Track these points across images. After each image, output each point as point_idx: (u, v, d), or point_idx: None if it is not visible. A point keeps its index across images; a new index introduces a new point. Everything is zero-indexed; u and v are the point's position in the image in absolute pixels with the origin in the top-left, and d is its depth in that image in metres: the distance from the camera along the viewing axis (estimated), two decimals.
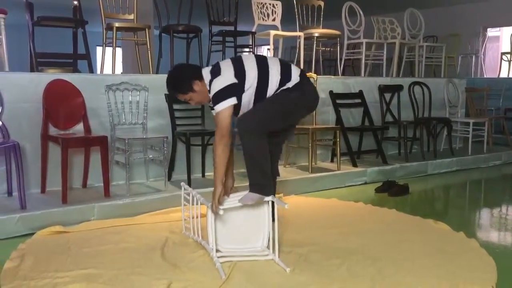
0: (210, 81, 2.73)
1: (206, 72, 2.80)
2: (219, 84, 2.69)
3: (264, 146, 2.76)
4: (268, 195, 2.78)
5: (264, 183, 2.77)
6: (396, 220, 3.62)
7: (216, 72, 2.75)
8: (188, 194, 3.03)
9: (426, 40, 7.89)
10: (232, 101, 2.68)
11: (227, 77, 2.71)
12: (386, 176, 5.05)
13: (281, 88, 2.80)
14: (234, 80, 2.70)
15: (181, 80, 2.75)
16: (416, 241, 3.10)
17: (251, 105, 2.80)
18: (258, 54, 2.96)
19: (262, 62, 2.79)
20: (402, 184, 4.61)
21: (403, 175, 5.22)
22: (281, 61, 2.89)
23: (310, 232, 3.25)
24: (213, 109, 2.78)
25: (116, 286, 2.40)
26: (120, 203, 3.65)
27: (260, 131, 2.73)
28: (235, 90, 2.71)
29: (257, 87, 2.75)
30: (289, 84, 2.79)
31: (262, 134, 2.75)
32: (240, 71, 2.74)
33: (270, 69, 2.78)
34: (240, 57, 2.84)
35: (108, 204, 3.60)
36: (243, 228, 2.84)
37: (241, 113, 2.85)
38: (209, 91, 2.75)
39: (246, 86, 2.74)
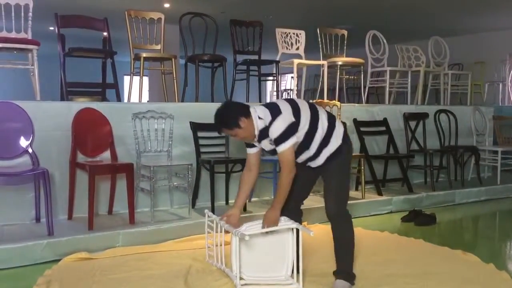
0: (271, 122, 2.75)
1: (260, 110, 2.81)
2: (282, 123, 2.72)
3: (353, 229, 2.84)
4: (353, 284, 2.80)
5: (351, 272, 2.82)
6: (423, 251, 3.54)
7: (276, 112, 2.76)
8: (212, 222, 3.04)
9: (451, 68, 7.84)
10: (293, 140, 2.73)
11: (288, 117, 2.75)
12: (412, 205, 4.97)
13: (330, 141, 2.83)
14: (293, 119, 2.75)
15: (228, 116, 2.80)
16: (444, 273, 3.02)
17: (295, 147, 2.81)
18: (310, 101, 3.04)
19: (313, 108, 2.86)
20: (429, 213, 4.53)
21: (430, 204, 5.12)
22: (327, 112, 2.98)
23: (334, 262, 3.19)
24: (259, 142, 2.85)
25: None
26: (144, 230, 3.68)
27: (346, 208, 2.84)
28: (295, 128, 2.76)
29: (307, 131, 2.79)
30: (337, 134, 2.84)
31: (348, 212, 2.85)
32: (296, 112, 2.79)
33: (320, 116, 2.84)
34: (293, 99, 2.91)
35: (133, 231, 3.63)
36: (267, 256, 2.82)
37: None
38: (269, 130, 2.76)
39: (300, 127, 2.78)
